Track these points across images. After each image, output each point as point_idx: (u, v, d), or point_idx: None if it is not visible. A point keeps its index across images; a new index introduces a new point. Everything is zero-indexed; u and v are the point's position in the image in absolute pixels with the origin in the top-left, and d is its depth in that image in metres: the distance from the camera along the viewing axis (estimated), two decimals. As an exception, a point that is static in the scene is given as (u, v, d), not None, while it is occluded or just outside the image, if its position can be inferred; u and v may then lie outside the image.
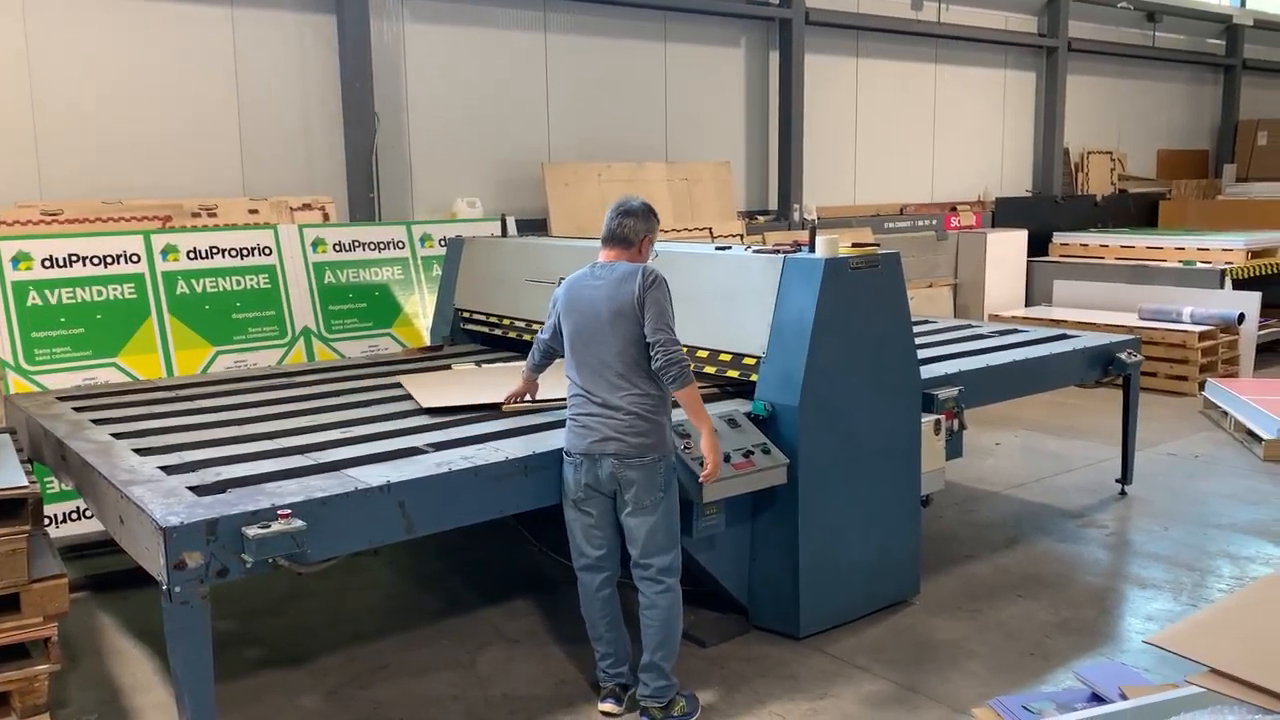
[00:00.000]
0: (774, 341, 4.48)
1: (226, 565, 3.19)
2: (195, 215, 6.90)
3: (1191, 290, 10.08)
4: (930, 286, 11.13)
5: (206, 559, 3.14)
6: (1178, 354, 9.30)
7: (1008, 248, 11.49)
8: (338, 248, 7.07)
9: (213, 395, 5.19)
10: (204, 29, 7.12)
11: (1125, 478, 6.42)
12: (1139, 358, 6.26)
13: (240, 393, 5.23)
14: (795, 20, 10.08)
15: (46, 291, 5.90)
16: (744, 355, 4.65)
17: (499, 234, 6.90)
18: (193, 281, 6.46)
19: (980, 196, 12.46)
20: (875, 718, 3.88)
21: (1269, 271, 10.77)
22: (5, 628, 3.46)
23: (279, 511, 3.24)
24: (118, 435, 4.29)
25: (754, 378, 4.55)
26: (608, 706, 3.96)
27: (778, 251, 4.73)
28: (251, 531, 3.16)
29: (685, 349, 4.65)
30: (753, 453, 4.20)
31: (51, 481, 5.28)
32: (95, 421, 4.56)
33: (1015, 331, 6.63)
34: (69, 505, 5.64)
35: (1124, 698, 2.94)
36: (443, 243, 7.27)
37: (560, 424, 4.33)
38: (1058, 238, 12.14)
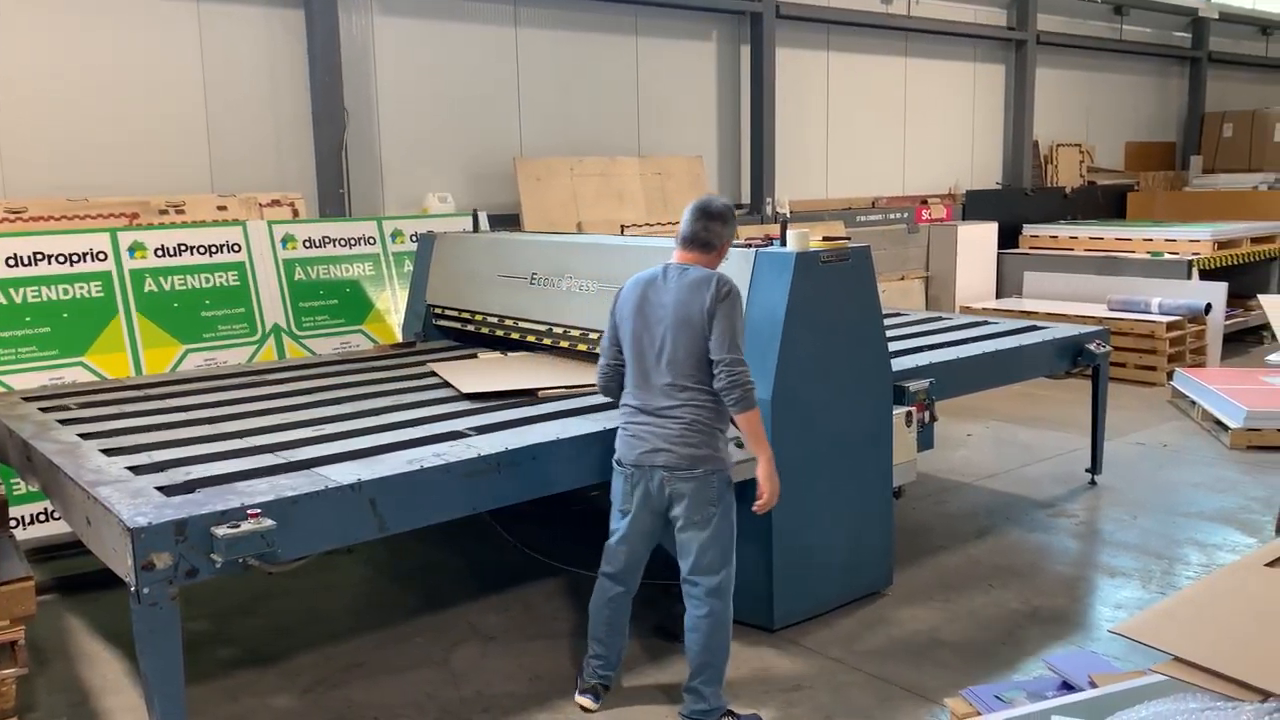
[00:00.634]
0: (747, 335, 4.47)
1: (196, 566, 3.16)
2: (163, 212, 6.83)
3: (1159, 281, 10.19)
4: (902, 279, 11.19)
5: (175, 560, 3.12)
6: (1146, 344, 9.40)
7: (978, 240, 11.57)
8: (308, 244, 7.02)
9: (182, 394, 5.15)
10: (170, 23, 7.04)
11: (1095, 467, 6.49)
12: (1107, 348, 6.32)
13: (210, 391, 5.18)
14: (766, 14, 10.08)
15: (11, 290, 5.82)
16: (717, 349, 4.65)
17: (470, 229, 6.87)
18: (161, 279, 6.40)
19: (951, 189, 12.53)
20: (849, 709, 3.91)
21: (1235, 262, 10.90)
22: (-29, 632, 3.41)
23: (249, 511, 3.21)
24: (85, 435, 4.24)
25: (727, 372, 4.55)
26: (585, 700, 3.95)
27: (749, 245, 4.74)
28: (221, 531, 3.14)
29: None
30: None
31: (18, 483, 5.22)
32: (62, 421, 4.51)
33: (986, 323, 6.67)
34: (36, 507, 5.58)
35: (1094, 686, 2.97)
36: (414, 238, 7.24)
37: (548, 416, 4.36)
38: (1028, 230, 12.23)
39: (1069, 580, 5.09)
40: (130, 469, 3.70)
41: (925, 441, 5.17)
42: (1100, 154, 14.57)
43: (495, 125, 8.58)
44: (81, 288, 6.08)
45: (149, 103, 7.01)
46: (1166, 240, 11.01)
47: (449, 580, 5.23)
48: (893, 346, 5.38)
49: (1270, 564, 1.71)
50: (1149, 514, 5.95)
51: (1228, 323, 10.22)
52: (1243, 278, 10.99)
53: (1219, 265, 10.63)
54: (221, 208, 7.06)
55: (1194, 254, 10.61)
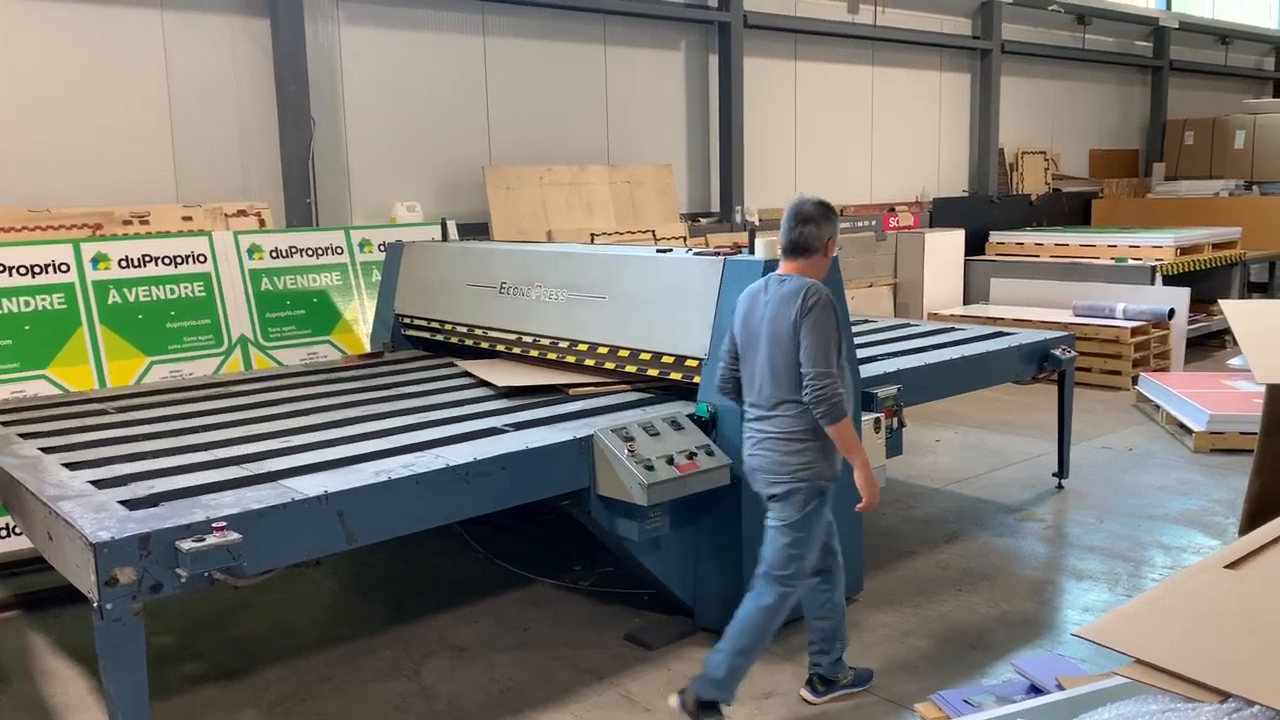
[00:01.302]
0: (716, 343, 4.49)
1: (160, 580, 3.13)
2: (127, 223, 6.75)
3: (1124, 287, 10.31)
4: (870, 286, 11.26)
5: (139, 575, 3.08)
6: (1111, 349, 9.50)
7: (945, 247, 11.66)
8: (274, 254, 6.97)
9: (147, 406, 5.09)
10: (133, 32, 6.97)
11: (1062, 471, 6.55)
12: (1073, 354, 6.38)
13: (175, 403, 5.13)
14: (734, 23, 10.13)
15: (-29, 302, 5.74)
16: (686, 357, 4.67)
17: (439, 238, 6.84)
18: (125, 290, 6.32)
19: (918, 197, 12.63)
20: (819, 715, 3.91)
21: (1197, 268, 11.05)
22: (-71, 650, 3.35)
23: (214, 524, 3.18)
24: (47, 449, 4.19)
25: (697, 379, 4.57)
26: (804, 692, 4.03)
27: (718, 254, 4.75)
28: (186, 545, 3.10)
29: (626, 351, 4.68)
30: (696, 454, 4.21)
31: (-22, 498, 5.14)
32: (23, 435, 4.44)
33: (953, 330, 6.73)
34: (-2, 522, 5.50)
35: (1061, 689, 3.00)
36: (382, 248, 7.20)
37: (518, 426, 4.34)
38: (994, 237, 12.34)
39: (1037, 584, 5.13)
40: (93, 483, 3.65)
41: (894, 447, 5.19)
42: (1065, 161, 14.74)
43: (464, 134, 8.56)
44: (44, 299, 6.00)
45: (112, 112, 6.95)
46: (1130, 246, 11.15)
47: (418, 592, 5.20)
48: (861, 353, 5.41)
49: (1229, 565, 1.73)
50: (1115, 517, 6.01)
51: (1190, 327, 10.35)
52: (1205, 283, 11.14)
53: (1182, 271, 10.78)
54: (187, 218, 6.99)
55: (1157, 260, 10.75)
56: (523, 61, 8.87)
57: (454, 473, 3.78)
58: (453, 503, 3.80)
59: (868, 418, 4.91)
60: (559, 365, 5.38)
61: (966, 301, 11.68)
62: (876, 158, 12.28)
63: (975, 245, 12.19)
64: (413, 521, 3.73)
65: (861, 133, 12.06)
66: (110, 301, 6.23)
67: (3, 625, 4.81)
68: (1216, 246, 11.61)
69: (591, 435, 4.16)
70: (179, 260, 6.58)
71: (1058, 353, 6.25)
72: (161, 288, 6.49)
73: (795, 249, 3.78)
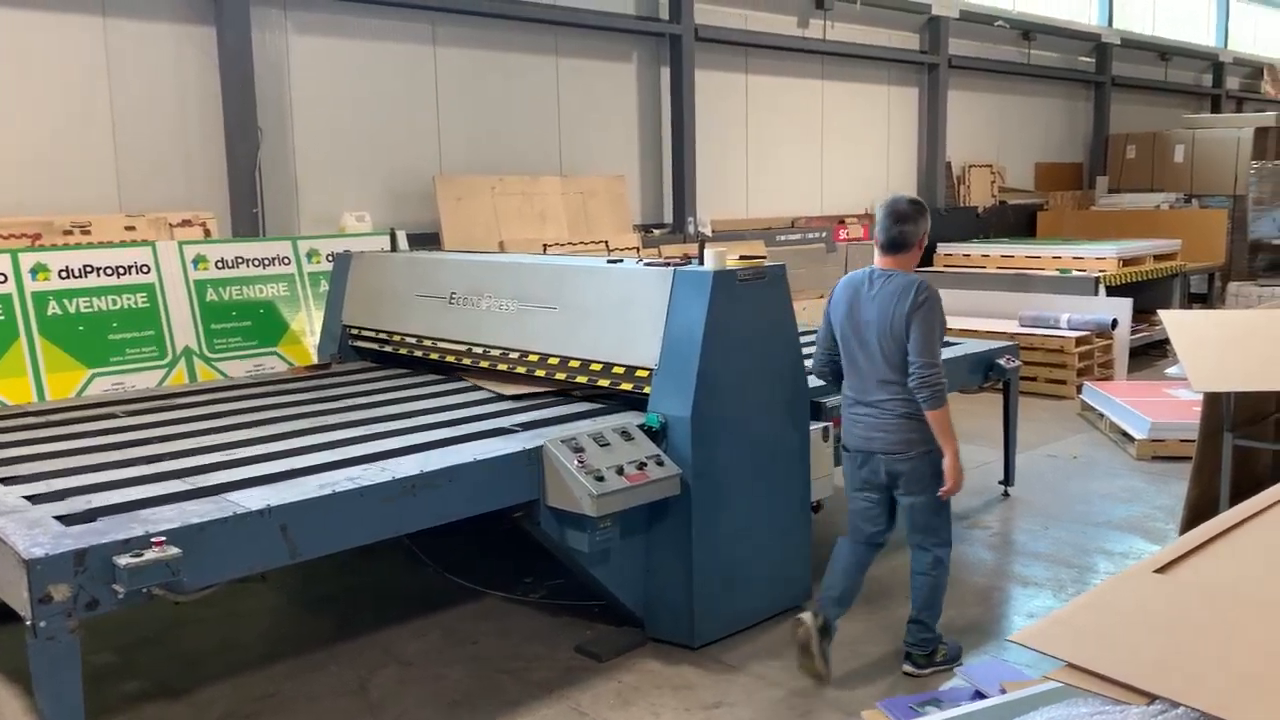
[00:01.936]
0: (666, 354, 4.51)
1: (97, 597, 3.06)
2: (67, 233, 6.63)
3: (1068, 297, 10.49)
4: (822, 297, 11.30)
5: (75, 591, 3.01)
6: (1056, 359, 9.66)
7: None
8: (220, 264, 6.88)
9: (87, 420, 4.98)
10: (74, 39, 6.86)
11: (1007, 480, 6.64)
12: (1017, 363, 6.48)
13: (115, 416, 5.03)
14: (685, 37, 10.19)
15: (-97, 314, 5.60)
16: (637, 368, 4.67)
17: (388, 249, 6.79)
18: (65, 301, 6.21)
19: (867, 209, 12.76)
20: (769, 724, 3.92)
21: (1139, 279, 11.27)
22: None
23: (153, 539, 3.12)
24: (-19, 464, 4.09)
25: (647, 390, 4.57)
26: (805, 616, 4.17)
27: (668, 264, 4.77)
28: (123, 561, 3.04)
29: (576, 361, 4.69)
30: (646, 464, 4.22)
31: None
32: (-44, 450, 4.33)
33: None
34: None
35: (1004, 694, 3.03)
36: (330, 258, 7.13)
37: (467, 438, 4.31)
38: (941, 248, 12.50)
39: (984, 591, 5.19)
40: (28, 498, 3.57)
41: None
42: (1011, 174, 15.00)
43: (414, 143, 8.52)
44: (-20, 311, 5.88)
45: (53, 120, 6.82)
46: (1074, 258, 11.35)
47: (366, 605, 5.14)
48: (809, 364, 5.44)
49: (1158, 570, 1.76)
50: (1060, 524, 6.10)
51: (1133, 337, 10.55)
52: (1146, 294, 11.36)
53: (1124, 282, 10.99)
54: (130, 228, 6.88)
55: (1100, 271, 10.95)
56: (474, 72, 8.85)
57: (400, 485, 3.75)
58: (399, 516, 3.76)
59: (816, 426, 4.96)
60: (495, 375, 5.39)
61: (916, 312, 11.78)
62: (827, 170, 12.41)
63: (923, 256, 12.27)
64: (358, 535, 3.69)
65: (812, 145, 12.18)
66: (50, 313, 6.11)
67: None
68: (1158, 258, 11.86)
69: (541, 446, 4.15)
70: (121, 271, 6.48)
71: (1003, 362, 6.34)
72: (103, 299, 6.38)
73: (894, 245, 4.09)
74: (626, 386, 4.74)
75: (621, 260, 5.25)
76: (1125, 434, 7.81)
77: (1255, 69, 20.53)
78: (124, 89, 7.07)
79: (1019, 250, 12.00)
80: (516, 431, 4.33)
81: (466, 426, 4.54)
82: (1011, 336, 9.11)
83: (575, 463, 4.05)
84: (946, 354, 6.21)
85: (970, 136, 14.26)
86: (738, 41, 10.97)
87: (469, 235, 8.26)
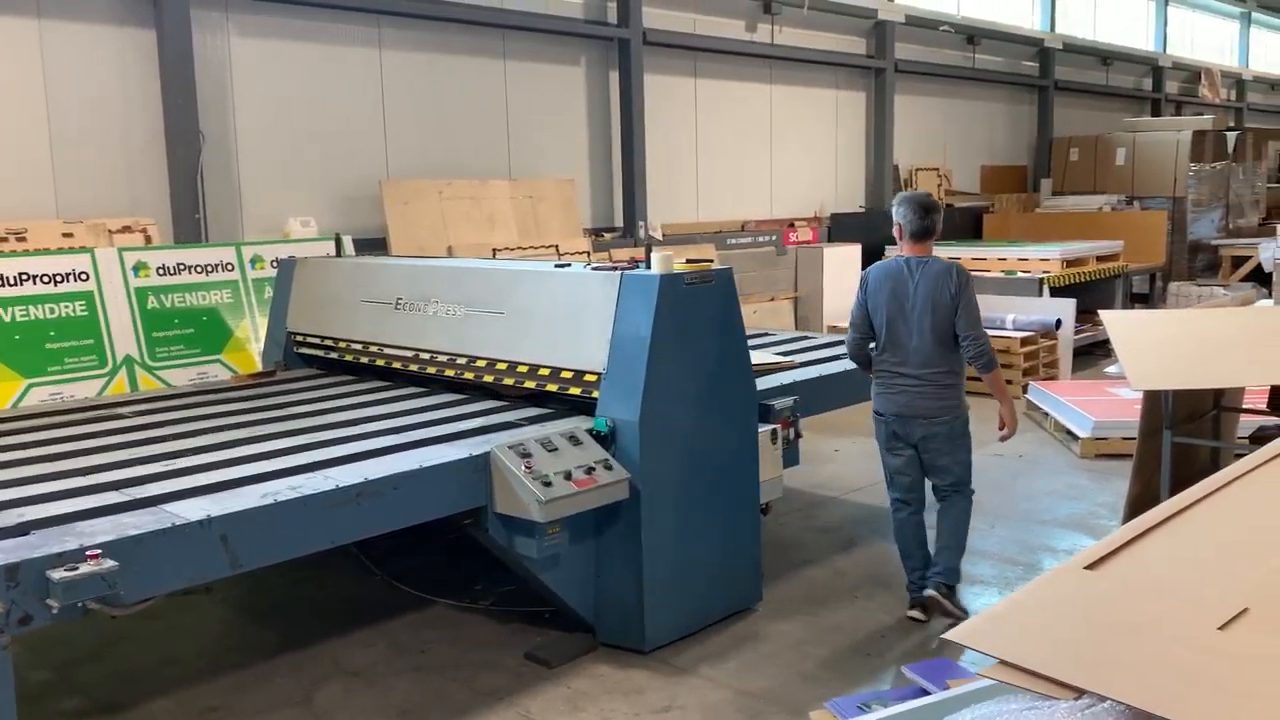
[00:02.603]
0: (614, 358, 4.50)
1: (30, 612, 2.99)
2: (2, 240, 6.48)
3: (1013, 298, 10.64)
4: (772, 300, 11.41)
5: (7, 607, 2.94)
6: (1002, 359, 9.72)
7: (843, 261, 11.88)
8: (161, 271, 6.76)
9: (23, 430, 4.87)
10: (8, 42, 6.71)
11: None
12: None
13: (53, 427, 4.92)
14: (633, 40, 10.21)
15: None
16: (585, 372, 4.66)
17: (334, 254, 6.72)
18: (0, 310, 6.06)
19: (816, 212, 12.86)
20: (719, 727, 3.93)
21: (1082, 279, 11.47)
22: None
23: (88, 552, 3.05)
24: (-91, 478, 3.97)
25: (596, 394, 4.56)
26: (915, 613, 4.79)
27: (615, 268, 4.76)
28: (57, 575, 2.97)
29: (525, 366, 4.68)
30: (594, 469, 4.20)
31: None
32: (-116, 464, 4.21)
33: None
34: None
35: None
36: (274, 264, 7.03)
37: (411, 445, 4.26)
38: (890, 251, 12.58)
39: (931, 589, 5.23)
40: (-42, 512, 3.47)
41: (791, 458, 5.27)
42: (957, 178, 15.19)
43: (360, 147, 8.44)
44: (-90, 320, 5.72)
45: (-14, 125, 6.67)
46: (1019, 259, 11.52)
47: (312, 616, 5.07)
48: (760, 366, 5.47)
49: (1088, 567, 1.79)
50: (1006, 522, 6.18)
51: (1077, 337, 10.73)
52: (1090, 294, 11.56)
53: (1068, 283, 11.17)
54: (68, 234, 6.75)
55: (1045, 272, 11.13)
56: (420, 75, 8.79)
57: (343, 493, 3.70)
58: (343, 525, 3.72)
59: (764, 429, 4.97)
60: (441, 381, 5.36)
61: (865, 314, 11.89)
62: (776, 174, 12.48)
63: (872, 259, 12.31)
64: (301, 545, 3.64)
65: (761, 149, 12.25)
66: (-16, 322, 5.96)
67: None
68: (1100, 259, 12.07)
69: (488, 452, 4.12)
70: (59, 278, 6.34)
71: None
72: (40, 307, 6.23)
73: (926, 234, 4.70)
74: (575, 391, 4.72)
75: (569, 264, 5.24)
76: (1070, 433, 7.93)
77: (1193, 73, 21.00)
78: (61, 93, 6.92)
79: (965, 252, 12.12)
80: (524, 425, 4.32)
81: (412, 433, 4.50)
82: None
83: (523, 468, 4.03)
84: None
85: (917, 140, 14.43)
86: (686, 45, 11.01)
87: (417, 240, 8.20)
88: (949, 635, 1.75)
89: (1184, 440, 5.86)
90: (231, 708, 4.15)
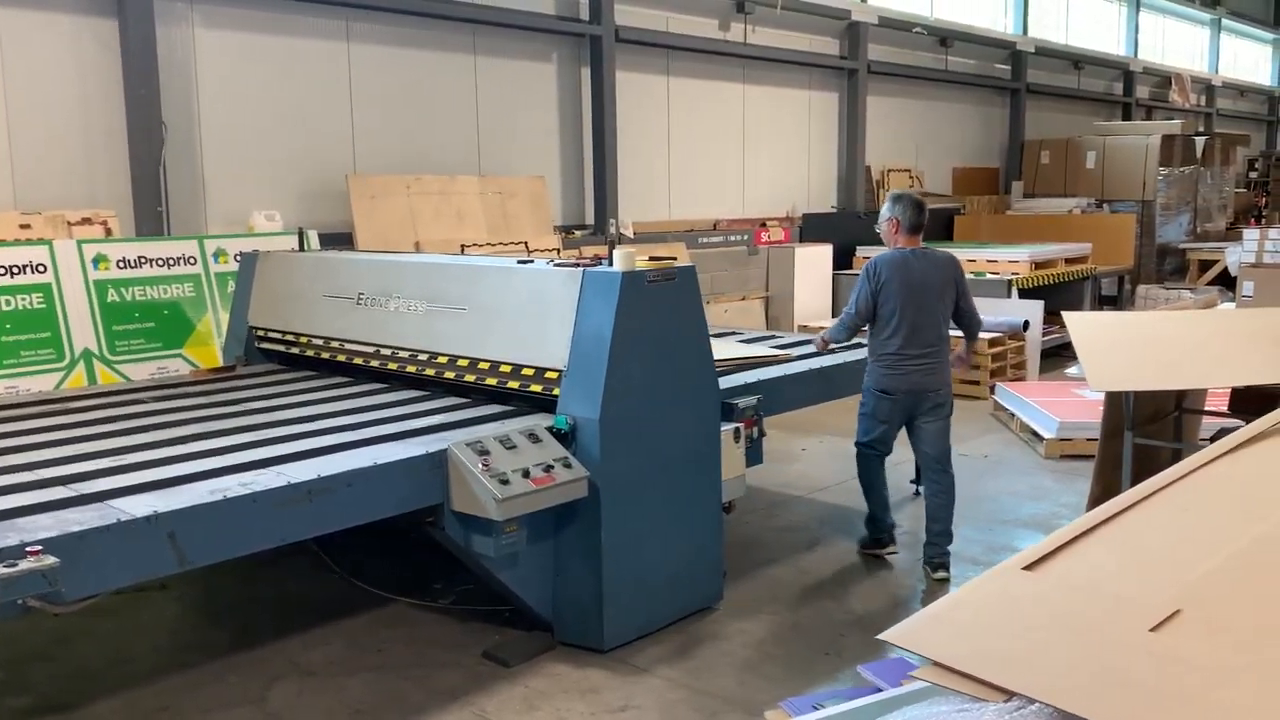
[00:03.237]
0: (575, 355, 4.47)
1: (-33, 610, 2.92)
2: (-43, 230, 6.37)
3: (982, 299, 10.62)
4: (743, 299, 11.41)
5: (-56, 603, 2.87)
6: (970, 359, 9.80)
7: (814, 261, 11.90)
8: (122, 264, 6.67)
9: (-28, 425, 4.78)
10: (-35, 30, 6.60)
11: (919, 479, 6.70)
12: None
13: (4, 421, 4.83)
14: (605, 37, 10.16)
15: None
16: (546, 370, 4.62)
17: (297, 248, 6.65)
18: (-46, 302, 5.97)
19: (788, 212, 12.87)
20: (675, 727, 3.90)
21: (1050, 281, 11.53)
22: None
23: (28, 548, 2.98)
24: None
25: (557, 392, 4.53)
26: (875, 550, 5.58)
27: (577, 265, 4.73)
28: (-5, 571, 2.90)
29: (486, 364, 4.67)
30: (553, 467, 4.17)
31: None
32: None
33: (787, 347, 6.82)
34: None
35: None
36: (238, 258, 6.96)
37: (366, 442, 4.20)
38: (861, 251, 12.63)
39: (893, 589, 5.24)
40: (-103, 507, 3.40)
41: (754, 457, 5.25)
42: (929, 179, 15.24)
43: (327, 141, 8.36)
44: None
45: (-59, 113, 6.55)
46: (988, 261, 11.56)
47: (268, 614, 5.01)
48: (721, 368, 5.45)
49: (1026, 568, 1.77)
50: (969, 522, 6.19)
51: (1045, 339, 10.78)
52: (1058, 296, 11.63)
53: (1037, 284, 11.23)
54: (25, 226, 6.63)
55: (1013, 274, 11.18)
56: (389, 69, 8.72)
57: (295, 490, 3.65)
58: (295, 522, 3.67)
59: (727, 428, 4.95)
60: (403, 378, 5.31)
61: (835, 314, 11.89)
62: (748, 173, 12.48)
63: (844, 259, 12.47)
64: (250, 542, 3.59)
65: (734, 148, 12.24)
66: (-64, 314, 5.86)
67: None
68: (1069, 261, 12.15)
69: (445, 449, 4.08)
70: (15, 270, 6.25)
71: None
72: (-4, 299, 6.14)
73: (920, 227, 5.27)
74: (536, 388, 4.68)
75: (531, 260, 5.20)
76: (1035, 433, 7.97)
77: (1164, 78, 21.18)
78: (19, 82, 6.81)
79: (936, 253, 12.17)
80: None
81: (370, 430, 4.45)
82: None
83: (480, 466, 3.99)
84: (860, 354, 6.27)
85: (889, 141, 14.47)
86: (659, 43, 10.98)
87: (384, 236, 8.13)
88: (885, 636, 1.74)
89: (1145, 442, 5.88)
90: (182, 708, 4.09)
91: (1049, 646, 1.52)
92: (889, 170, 14.26)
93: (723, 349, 5.85)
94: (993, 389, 9.39)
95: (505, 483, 3.97)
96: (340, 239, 8.00)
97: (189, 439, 4.35)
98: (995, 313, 10.28)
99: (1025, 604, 1.67)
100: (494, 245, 8.85)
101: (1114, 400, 5.70)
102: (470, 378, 4.97)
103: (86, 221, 6.83)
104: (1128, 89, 19.97)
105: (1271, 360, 5.07)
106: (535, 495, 4.05)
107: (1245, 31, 25.25)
